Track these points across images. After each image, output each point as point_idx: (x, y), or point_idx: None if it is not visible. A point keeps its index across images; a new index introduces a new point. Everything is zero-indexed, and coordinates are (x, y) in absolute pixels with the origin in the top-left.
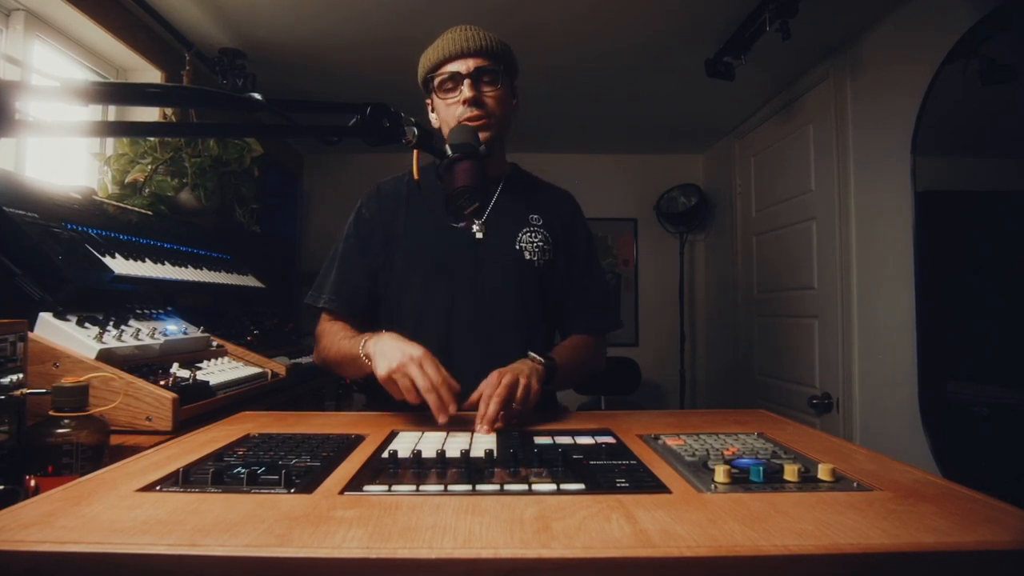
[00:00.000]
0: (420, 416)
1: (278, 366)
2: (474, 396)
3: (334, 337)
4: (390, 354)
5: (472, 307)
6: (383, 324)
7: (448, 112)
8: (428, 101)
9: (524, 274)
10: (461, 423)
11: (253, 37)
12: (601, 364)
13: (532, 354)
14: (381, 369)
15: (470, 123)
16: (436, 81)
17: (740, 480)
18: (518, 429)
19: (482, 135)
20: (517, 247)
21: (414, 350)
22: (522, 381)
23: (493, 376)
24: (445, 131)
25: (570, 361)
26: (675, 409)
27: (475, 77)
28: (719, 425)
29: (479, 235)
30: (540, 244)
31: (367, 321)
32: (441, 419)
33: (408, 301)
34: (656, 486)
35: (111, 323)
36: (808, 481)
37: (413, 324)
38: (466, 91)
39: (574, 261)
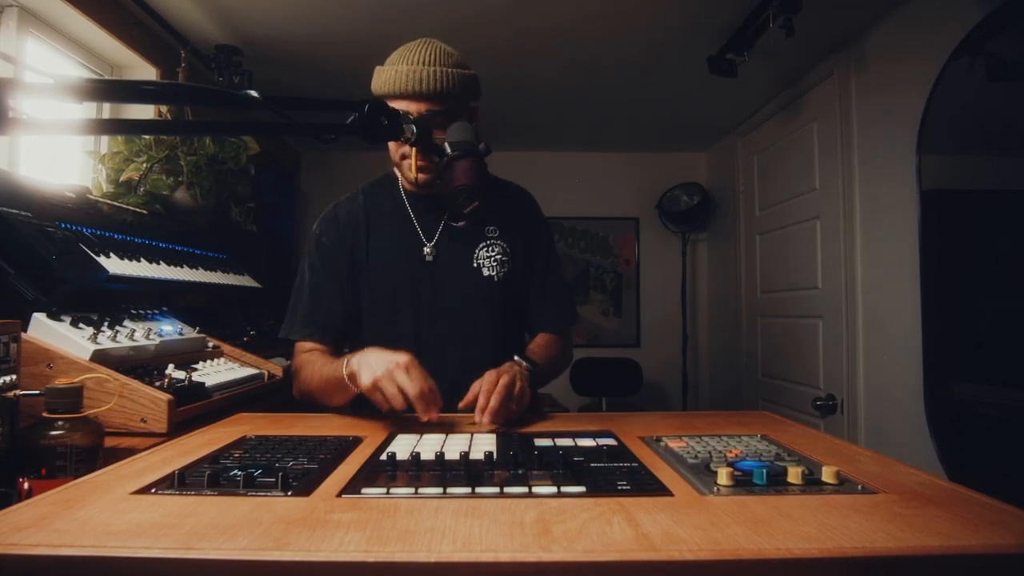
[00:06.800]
0: (419, 418)
1: (275, 367)
2: (469, 396)
3: (313, 367)
4: (375, 363)
5: (436, 330)
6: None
7: (393, 151)
8: None
9: (485, 292)
10: (458, 426)
11: (250, 33)
12: (569, 361)
13: (517, 358)
14: (366, 379)
15: (419, 176)
16: None
17: (743, 483)
18: (518, 431)
19: (428, 183)
20: (475, 264)
21: (400, 356)
22: (518, 383)
23: (491, 374)
24: (393, 155)
25: (546, 363)
26: (677, 410)
27: None
28: (722, 427)
29: (429, 258)
30: (499, 257)
31: (344, 348)
32: (424, 418)
33: (374, 328)
34: (658, 489)
35: (106, 323)
36: (812, 484)
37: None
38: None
39: (535, 263)
